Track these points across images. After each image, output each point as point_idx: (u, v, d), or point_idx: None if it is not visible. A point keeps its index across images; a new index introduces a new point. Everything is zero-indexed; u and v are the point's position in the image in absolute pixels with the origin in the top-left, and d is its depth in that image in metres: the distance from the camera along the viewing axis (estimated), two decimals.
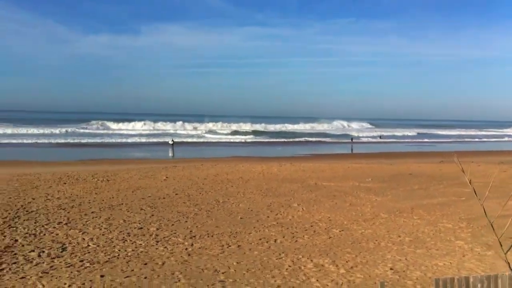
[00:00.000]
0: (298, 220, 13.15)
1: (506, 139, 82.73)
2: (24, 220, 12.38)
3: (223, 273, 8.37)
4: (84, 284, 7.64)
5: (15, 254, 9.31)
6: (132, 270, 8.40)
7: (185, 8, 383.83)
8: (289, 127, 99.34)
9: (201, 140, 63.35)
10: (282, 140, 65.53)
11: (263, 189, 18.66)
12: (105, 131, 72.65)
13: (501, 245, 2.85)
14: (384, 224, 12.66)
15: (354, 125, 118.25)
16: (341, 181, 21.09)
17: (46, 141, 53.08)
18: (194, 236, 11.16)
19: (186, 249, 10.03)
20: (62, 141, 54.19)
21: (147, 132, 73.42)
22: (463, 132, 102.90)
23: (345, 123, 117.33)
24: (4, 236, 10.68)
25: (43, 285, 7.55)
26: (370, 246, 10.37)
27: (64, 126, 75.96)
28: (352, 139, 66.88)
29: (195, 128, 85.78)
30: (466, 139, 78.45)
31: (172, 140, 52.72)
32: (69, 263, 8.78)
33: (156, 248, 10.01)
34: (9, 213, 13.17)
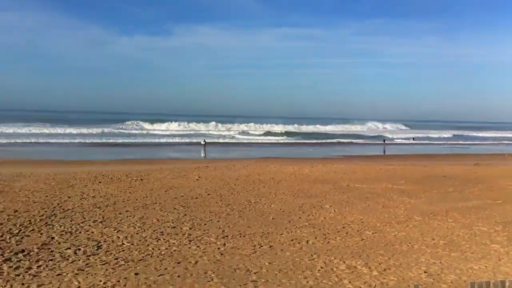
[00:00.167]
0: (330, 222, 13.12)
1: None
2: (60, 218, 12.66)
3: (255, 273, 8.42)
4: (118, 281, 7.78)
5: (52, 251, 9.53)
6: (166, 269, 8.51)
7: (217, 9, 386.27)
8: (322, 128, 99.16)
9: (233, 141, 63.60)
10: (314, 141, 65.31)
11: (294, 190, 18.65)
12: (139, 131, 73.65)
13: None
14: (417, 227, 12.52)
15: (388, 126, 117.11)
16: (373, 182, 20.92)
17: (82, 140, 54.16)
18: (227, 236, 11.25)
19: (219, 248, 10.11)
20: (98, 140, 55.24)
21: (180, 132, 73.98)
22: (499, 134, 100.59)
23: (379, 125, 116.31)
24: (41, 234, 10.94)
25: (79, 282, 7.72)
26: (403, 248, 10.29)
27: (100, 126, 77.35)
28: (384, 141, 66.16)
29: (227, 129, 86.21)
30: (503, 141, 76.80)
31: (204, 141, 53.12)
32: (104, 260, 8.95)
33: (189, 247, 10.13)
34: (46, 211, 13.48)
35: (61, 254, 9.32)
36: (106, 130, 70.38)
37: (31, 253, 9.25)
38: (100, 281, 7.79)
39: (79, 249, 9.70)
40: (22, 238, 10.47)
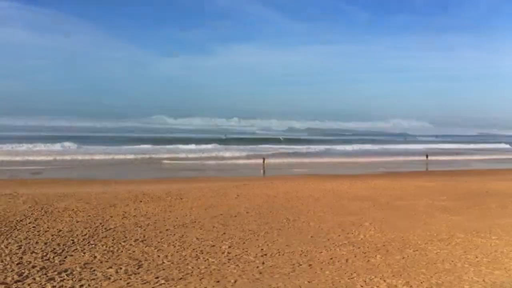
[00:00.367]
0: (370, 240, 12.96)
1: None
2: (102, 238, 12.90)
3: None
4: None
5: (94, 270, 9.71)
6: None
7: (254, 29, 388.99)
8: (363, 147, 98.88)
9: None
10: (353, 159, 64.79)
11: (333, 207, 18.52)
12: (181, 155, 74.43)
13: None
14: (460, 244, 12.24)
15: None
16: (414, 199, 20.59)
17: (121, 158, 55.19)
18: (265, 255, 11.24)
19: (258, 267, 10.11)
20: (139, 157, 56.20)
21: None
22: None
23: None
24: (84, 253, 11.17)
25: None
26: (445, 267, 10.07)
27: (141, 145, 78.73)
28: (427, 156, 64.90)
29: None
30: None
31: (263, 158, 53.24)
32: (145, 279, 9.06)
33: (228, 266, 10.16)
34: (89, 231, 13.77)
35: (103, 273, 9.49)
36: (148, 156, 71.36)
37: (74, 273, 9.44)
38: None
39: (121, 268, 9.86)
40: (65, 257, 10.72)
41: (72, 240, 12.48)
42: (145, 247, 11.89)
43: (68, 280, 8.96)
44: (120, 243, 12.23)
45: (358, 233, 13.78)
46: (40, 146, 73.77)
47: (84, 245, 12.00)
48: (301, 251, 11.64)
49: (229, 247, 12.00)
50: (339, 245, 12.31)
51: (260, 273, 9.66)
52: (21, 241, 12.27)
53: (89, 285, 8.70)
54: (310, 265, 10.35)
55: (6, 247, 11.52)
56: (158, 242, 12.41)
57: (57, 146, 75.22)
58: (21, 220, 15.14)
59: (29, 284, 8.64)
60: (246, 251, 11.54)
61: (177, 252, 11.42)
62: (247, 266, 10.17)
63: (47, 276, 9.14)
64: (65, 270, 9.58)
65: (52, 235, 12.98)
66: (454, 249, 11.75)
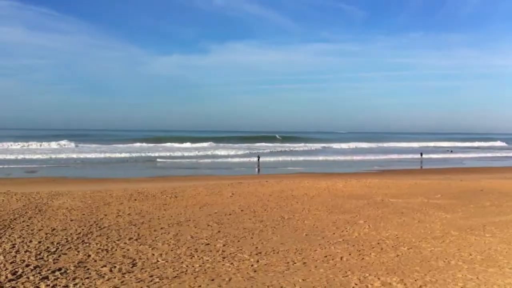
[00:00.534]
0: (364, 238, 12.98)
1: None
2: (96, 236, 12.87)
3: None
4: None
5: (88, 269, 9.68)
6: (200, 286, 8.54)
7: (250, 27, 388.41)
8: (359, 145, 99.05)
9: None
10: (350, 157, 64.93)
11: (328, 205, 18.54)
12: (176, 153, 74.42)
13: None
14: (454, 242, 12.28)
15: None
16: (408, 197, 20.64)
17: (116, 156, 55.08)
18: (260, 253, 11.24)
19: (252, 265, 10.11)
20: (134, 155, 56.12)
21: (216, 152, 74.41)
22: None
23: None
24: (78, 252, 11.14)
25: None
26: (439, 264, 10.09)
27: (136, 144, 78.60)
28: (421, 154, 65.09)
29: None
30: None
31: (258, 156, 53.26)
32: (139, 278, 9.04)
33: (223, 264, 10.15)
34: (83, 229, 13.73)
35: (97, 272, 9.46)
36: (144, 154, 71.26)
37: (68, 271, 9.41)
38: None
39: (115, 267, 9.83)
40: (59, 256, 10.68)
41: (66, 238, 12.44)
42: (140, 245, 11.87)
43: (62, 279, 8.92)
44: (114, 242, 12.20)
45: (353, 231, 13.80)
46: (36, 145, 73.81)
47: (78, 243, 11.96)
48: (296, 249, 11.65)
49: (224, 245, 11.99)
50: (333, 243, 12.32)
51: (255, 271, 9.65)
52: (15, 239, 12.22)
53: (83, 283, 8.67)
54: (304, 263, 10.35)
55: (0, 246, 11.48)
56: (153, 241, 12.39)
57: (53, 145, 75.31)
58: (14, 219, 15.09)
59: (23, 283, 8.60)
60: (241, 249, 11.54)
61: (171, 250, 11.40)
62: (242, 264, 10.16)
63: (41, 275, 9.10)
64: (59, 269, 9.55)
65: (46, 234, 12.93)
66: (448, 247, 11.78)
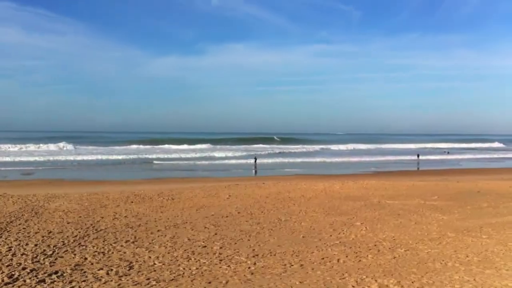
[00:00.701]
0: (361, 239, 12.98)
1: None
2: (93, 239, 12.84)
3: None
4: None
5: (85, 272, 9.65)
6: None
7: (248, 28, 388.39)
8: (357, 146, 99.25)
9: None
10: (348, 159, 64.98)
11: (325, 207, 18.54)
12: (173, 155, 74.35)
13: None
14: (451, 244, 12.28)
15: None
16: (405, 199, 20.66)
17: (113, 158, 55.01)
18: (257, 255, 11.23)
19: (249, 268, 10.10)
20: (130, 157, 56.06)
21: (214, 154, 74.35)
22: None
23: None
24: (75, 255, 11.10)
25: None
26: (436, 266, 10.10)
27: (133, 146, 78.52)
28: (418, 155, 65.18)
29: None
30: None
31: (255, 158, 53.28)
32: (136, 281, 9.02)
33: (220, 267, 10.13)
34: (79, 232, 13.70)
35: (94, 275, 9.43)
36: (140, 156, 71.24)
37: (65, 274, 9.39)
38: None
39: (112, 270, 9.80)
40: (56, 259, 10.65)
41: (63, 241, 12.40)
42: (136, 248, 11.85)
43: (58, 282, 8.89)
44: (111, 244, 12.17)
45: (350, 233, 13.79)
46: (34, 147, 73.73)
47: (75, 246, 11.93)
48: (293, 251, 11.64)
49: (221, 247, 11.97)
50: (330, 245, 12.32)
51: (252, 273, 9.64)
52: (11, 242, 12.18)
53: (79, 287, 8.64)
54: (301, 265, 10.34)
55: None
56: (149, 243, 12.37)
57: (51, 147, 75.23)
58: (11, 222, 15.05)
59: (19, 286, 8.57)
60: (238, 252, 11.52)
61: (168, 253, 11.38)
62: (239, 267, 10.15)
63: (38, 278, 9.07)
64: (56, 272, 9.52)
65: (43, 237, 12.90)
66: (445, 248, 11.79)
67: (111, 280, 9.04)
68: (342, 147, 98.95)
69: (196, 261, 10.60)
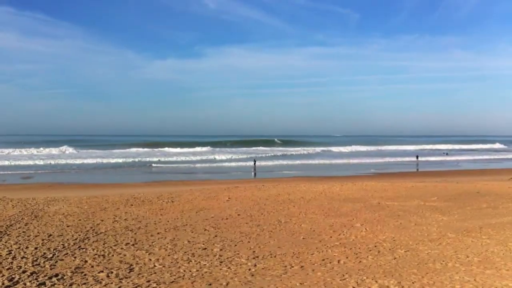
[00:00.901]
0: (361, 241, 12.97)
1: None
2: (93, 242, 12.83)
3: None
4: None
5: (85, 275, 9.64)
6: None
7: (246, 31, 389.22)
8: (358, 148, 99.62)
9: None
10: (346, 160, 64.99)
11: (325, 209, 18.54)
12: (173, 158, 74.34)
13: None
14: (451, 244, 12.28)
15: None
16: (405, 200, 20.66)
17: (112, 162, 54.99)
18: (257, 257, 11.22)
19: (249, 269, 10.09)
20: (130, 160, 56.09)
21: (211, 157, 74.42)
22: None
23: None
24: (75, 258, 11.10)
25: None
26: (437, 267, 10.10)
27: (133, 149, 78.48)
28: (417, 157, 65.21)
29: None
30: None
31: (254, 160, 53.36)
32: (137, 283, 9.01)
33: (220, 269, 10.13)
34: (79, 235, 13.69)
35: (94, 277, 9.42)
36: (139, 160, 71.37)
37: (65, 277, 9.38)
38: None
39: (112, 272, 9.80)
40: (56, 262, 10.64)
41: (63, 244, 12.39)
42: (136, 250, 11.84)
43: (59, 284, 8.89)
44: (111, 247, 12.16)
45: (350, 234, 13.79)
46: (34, 150, 73.80)
47: (75, 249, 11.92)
48: (293, 253, 11.63)
49: (221, 249, 11.97)
50: (330, 246, 12.31)
51: (252, 275, 9.64)
52: (11, 246, 12.17)
53: None
54: (302, 266, 10.34)
55: None
56: (150, 246, 12.36)
57: (53, 150, 75.39)
58: (11, 225, 15.04)
59: None
60: (238, 254, 11.52)
61: (168, 255, 11.38)
62: (239, 269, 10.14)
63: (38, 281, 9.06)
64: (56, 275, 9.51)
65: (43, 240, 12.89)
66: (445, 249, 11.78)
67: (112, 283, 9.03)
68: (342, 149, 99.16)
69: (197, 263, 10.59)
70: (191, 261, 10.82)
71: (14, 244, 12.39)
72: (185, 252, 11.62)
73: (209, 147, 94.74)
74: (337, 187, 25.62)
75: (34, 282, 8.97)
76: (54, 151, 75.86)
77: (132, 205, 19.50)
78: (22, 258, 10.93)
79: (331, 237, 13.50)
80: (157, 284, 8.91)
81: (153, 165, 53.86)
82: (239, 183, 31.29)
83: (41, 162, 54.17)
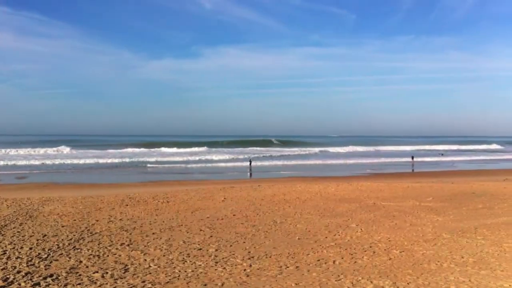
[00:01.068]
0: (356, 241, 12.98)
1: None
2: (88, 242, 12.80)
3: None
4: None
5: (80, 275, 9.62)
6: None
7: (242, 31, 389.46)
8: (355, 148, 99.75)
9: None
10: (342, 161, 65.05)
11: (320, 209, 18.54)
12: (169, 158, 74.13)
13: None
14: (446, 245, 12.30)
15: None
16: (400, 200, 20.69)
17: (108, 162, 54.89)
18: (252, 257, 11.21)
19: (245, 270, 10.08)
20: (126, 160, 56.00)
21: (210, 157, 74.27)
22: None
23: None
24: (70, 258, 11.06)
25: None
26: (432, 267, 10.11)
27: (129, 149, 78.33)
28: (412, 157, 65.30)
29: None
30: None
31: (250, 161, 53.33)
32: (132, 284, 8.99)
33: (215, 269, 10.12)
34: (74, 235, 13.66)
35: (89, 278, 9.40)
36: (135, 159, 71.26)
37: (60, 277, 9.35)
38: None
39: (107, 273, 9.77)
40: (50, 262, 10.61)
41: (58, 244, 12.36)
42: (131, 251, 11.82)
43: (53, 285, 8.86)
44: (106, 247, 12.14)
45: (345, 235, 13.80)
46: (31, 150, 73.62)
47: (70, 249, 11.89)
48: (288, 253, 11.63)
49: (216, 250, 11.96)
50: (326, 246, 12.32)
51: (247, 275, 9.63)
52: (5, 246, 12.13)
53: None
54: (297, 267, 10.34)
55: None
56: (145, 246, 12.34)
57: (50, 151, 75.21)
58: (5, 225, 14.99)
59: None
60: (233, 254, 11.51)
61: (163, 255, 11.36)
62: (234, 269, 10.14)
63: (33, 281, 9.03)
64: (51, 275, 9.48)
65: (37, 240, 12.85)
66: (440, 249, 11.80)
67: (107, 283, 9.01)
68: (340, 149, 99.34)
69: (192, 264, 10.58)
70: (186, 261, 10.80)
71: (8, 244, 12.35)
72: (180, 253, 11.61)
73: (205, 147, 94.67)
74: (333, 188, 25.64)
75: (28, 283, 8.94)
76: (50, 151, 75.62)
77: (127, 205, 19.46)
78: (16, 258, 10.89)
79: (326, 237, 13.51)
80: (152, 285, 8.89)
81: (149, 165, 53.76)
82: (235, 183, 31.27)
83: (37, 162, 53.99)
